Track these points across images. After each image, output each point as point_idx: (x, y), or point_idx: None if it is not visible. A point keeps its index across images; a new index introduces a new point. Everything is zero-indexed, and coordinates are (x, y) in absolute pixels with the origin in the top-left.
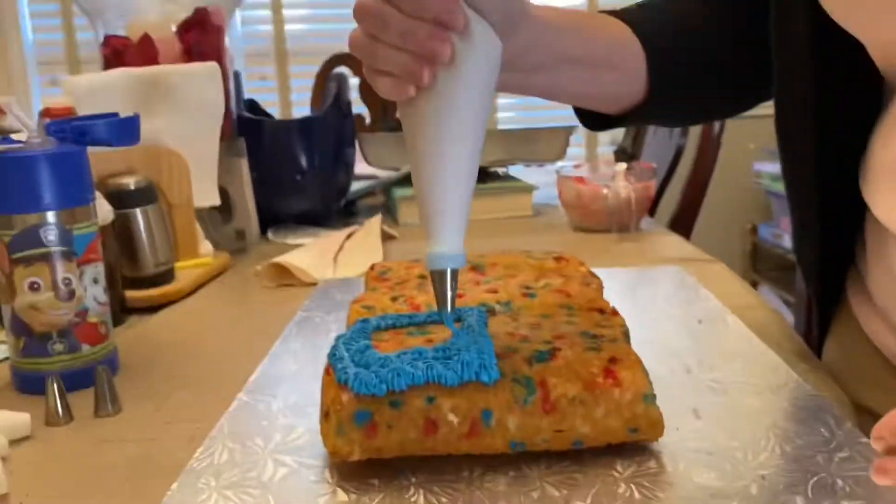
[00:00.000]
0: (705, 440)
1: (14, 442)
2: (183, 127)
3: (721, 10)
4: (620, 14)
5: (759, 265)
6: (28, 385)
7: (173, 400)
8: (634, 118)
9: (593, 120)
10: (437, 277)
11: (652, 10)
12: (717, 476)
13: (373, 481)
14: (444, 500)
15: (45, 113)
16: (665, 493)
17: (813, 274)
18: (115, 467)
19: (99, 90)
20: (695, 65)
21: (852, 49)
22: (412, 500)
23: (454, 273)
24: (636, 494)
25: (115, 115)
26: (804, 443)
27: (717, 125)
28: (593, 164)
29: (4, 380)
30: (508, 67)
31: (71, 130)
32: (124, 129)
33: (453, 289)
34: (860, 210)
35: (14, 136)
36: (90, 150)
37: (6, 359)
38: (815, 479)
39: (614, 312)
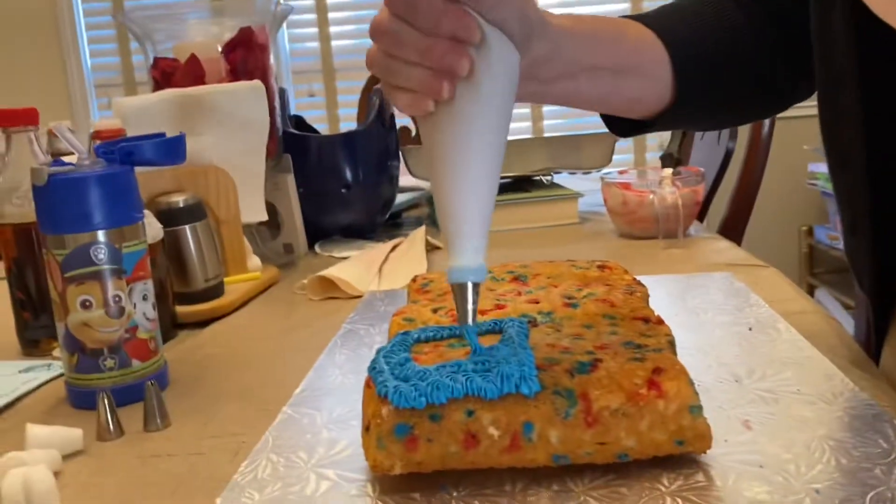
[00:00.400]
0: (756, 452)
1: (67, 456)
2: (229, 144)
3: (750, 13)
4: (644, 18)
5: (816, 268)
6: (81, 400)
7: (220, 414)
8: (661, 123)
9: (621, 125)
10: (458, 291)
11: (677, 13)
12: (769, 490)
13: (414, 495)
14: None
15: (96, 135)
16: None
17: (866, 278)
18: (162, 482)
19: (147, 111)
20: (722, 69)
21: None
22: None
23: (475, 286)
24: None
25: (162, 135)
26: (861, 454)
27: (766, 127)
28: (640, 170)
29: (60, 396)
30: (527, 77)
31: (119, 151)
32: (170, 149)
33: (474, 302)
34: None
35: (65, 159)
36: (139, 169)
37: (62, 375)
38: (874, 493)
39: (659, 321)
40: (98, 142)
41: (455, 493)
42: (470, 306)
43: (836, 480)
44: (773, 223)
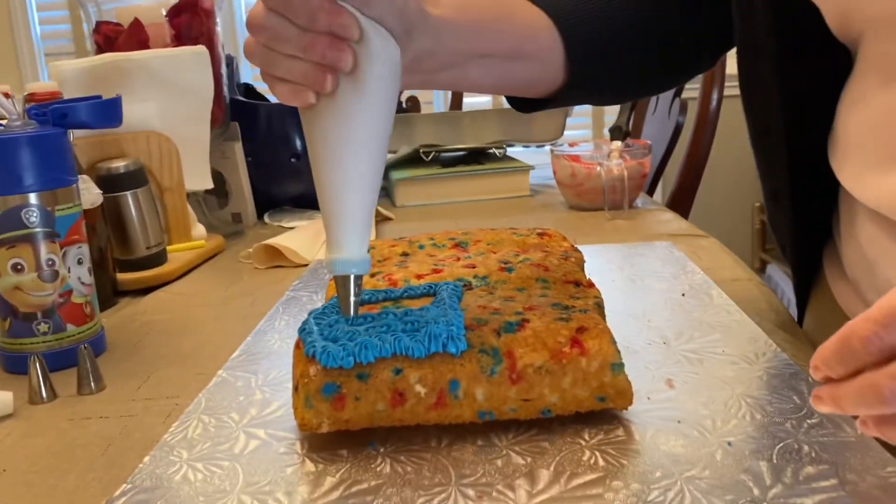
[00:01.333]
0: (676, 409)
1: None
2: (172, 111)
3: None
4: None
5: (768, 244)
6: (14, 365)
7: (156, 378)
8: (557, 101)
9: (520, 102)
10: (341, 282)
11: None
12: (684, 443)
13: (341, 452)
14: (409, 468)
15: (30, 97)
16: (628, 460)
17: (788, 246)
18: (92, 443)
19: (86, 75)
20: (617, 47)
21: (815, 18)
22: (378, 469)
23: (357, 278)
24: (600, 461)
25: (99, 97)
26: (774, 410)
27: (713, 103)
28: (588, 142)
29: None
30: (412, 69)
31: (52, 113)
32: (105, 112)
33: (357, 294)
34: (833, 182)
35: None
36: (80, 135)
37: None
38: (782, 444)
39: (590, 285)
40: (31, 104)
41: (382, 450)
42: (352, 298)
43: (748, 434)
44: (726, 200)
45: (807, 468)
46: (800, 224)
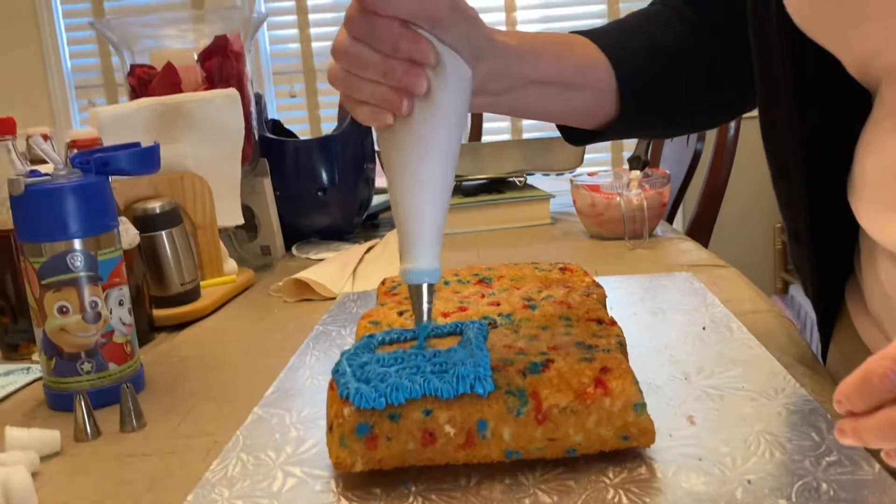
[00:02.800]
0: (697, 446)
1: (45, 457)
2: (205, 151)
3: (695, 27)
4: (591, 34)
5: (790, 265)
6: (59, 403)
7: (194, 414)
8: (610, 133)
9: (573, 134)
10: (415, 292)
11: (622, 28)
12: (705, 481)
13: (375, 490)
14: None
15: (73, 144)
16: (651, 499)
17: (809, 283)
18: (137, 480)
19: (123, 120)
20: (666, 83)
21: (832, 61)
22: None
23: (430, 287)
24: (624, 500)
25: (137, 144)
26: (794, 447)
27: (731, 131)
28: (608, 172)
29: (38, 398)
30: (478, 92)
31: (94, 161)
32: (144, 159)
33: (429, 301)
34: (854, 220)
35: (41, 169)
36: (116, 177)
37: (40, 378)
38: (801, 482)
39: (612, 322)
40: (74, 151)
41: (414, 489)
42: (425, 306)
43: (768, 472)
44: (747, 221)
45: None
46: (821, 262)
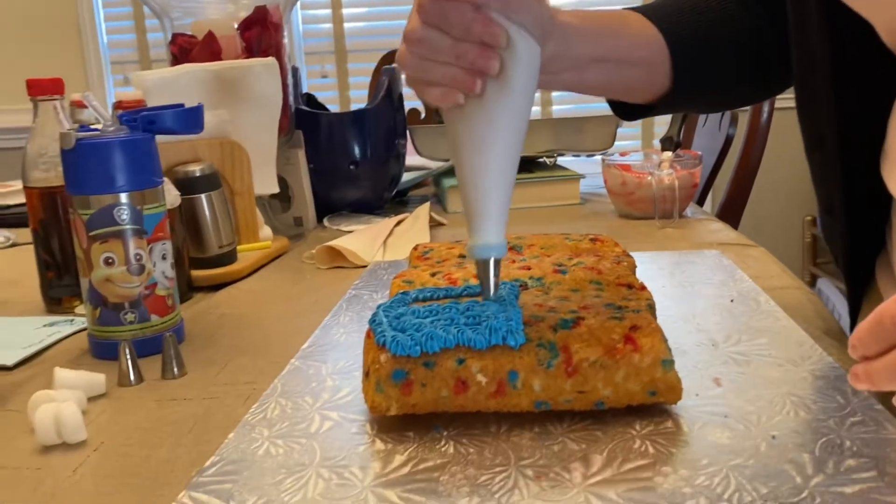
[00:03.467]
0: (723, 405)
1: (91, 399)
2: (244, 119)
3: (744, 2)
4: (645, 10)
5: (819, 258)
6: (103, 351)
7: (232, 365)
8: (662, 107)
9: (624, 109)
10: (482, 266)
11: (675, 4)
12: (730, 435)
13: (408, 433)
14: (471, 450)
15: (118, 105)
16: (677, 449)
17: (841, 256)
18: (179, 421)
19: (166, 84)
20: (718, 57)
21: (868, 32)
22: (442, 449)
23: (497, 262)
24: (650, 449)
25: (181, 105)
26: (818, 408)
27: (764, 115)
28: (640, 152)
29: (82, 347)
30: (540, 70)
31: (141, 120)
32: (189, 119)
33: (496, 275)
34: (887, 194)
35: (91, 126)
36: (160, 140)
37: (83, 329)
38: (825, 439)
39: (642, 287)
40: (120, 111)
41: (445, 433)
42: (492, 280)
43: (792, 429)
44: (777, 213)
45: (848, 461)
46: (853, 235)
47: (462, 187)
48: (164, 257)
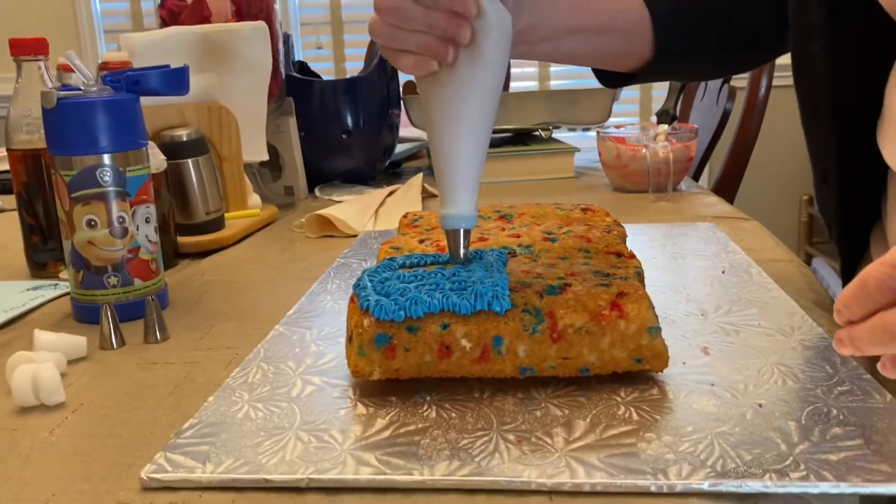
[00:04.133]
0: (710, 374)
1: (72, 361)
2: (233, 83)
3: None
4: None
5: (815, 237)
6: (85, 315)
7: (216, 331)
8: (644, 75)
9: (607, 77)
10: (452, 236)
11: None
12: (716, 403)
13: (391, 398)
14: (454, 415)
15: (103, 66)
16: (662, 416)
17: (834, 226)
18: (160, 384)
19: (153, 46)
20: (703, 24)
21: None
22: (425, 414)
23: (467, 232)
24: (634, 416)
25: (167, 66)
26: (806, 378)
27: (762, 90)
28: (636, 125)
29: (65, 311)
30: (516, 41)
31: (125, 80)
32: (174, 80)
33: (465, 246)
34: (882, 163)
35: (74, 85)
36: (146, 104)
37: (67, 293)
38: (811, 407)
39: (631, 256)
40: (105, 72)
41: (428, 398)
42: (462, 250)
43: (779, 397)
44: (773, 192)
45: (834, 429)
46: (847, 205)
47: (434, 157)
48: (147, 221)
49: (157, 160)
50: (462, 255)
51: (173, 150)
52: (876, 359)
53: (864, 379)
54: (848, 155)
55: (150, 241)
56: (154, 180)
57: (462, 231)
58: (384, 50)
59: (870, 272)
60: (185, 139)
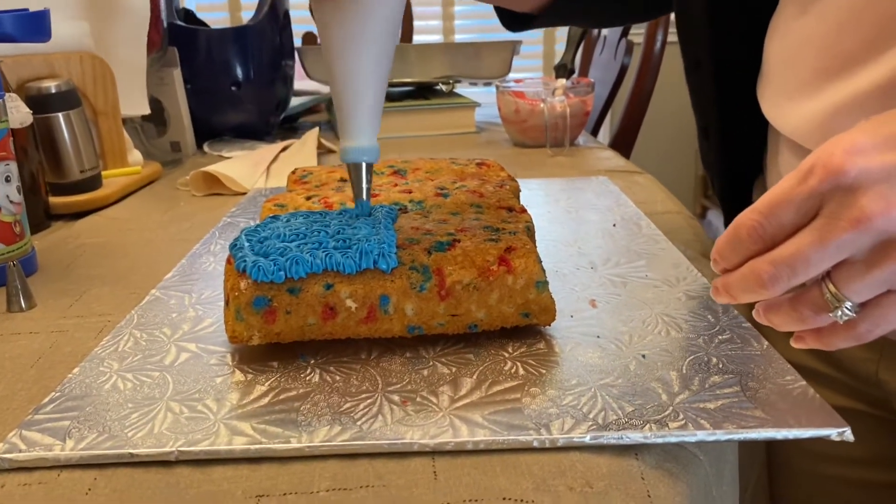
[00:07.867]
0: (597, 326)
1: None
2: (106, 32)
3: None
4: None
5: (709, 191)
6: None
7: (88, 297)
8: (544, 18)
9: (511, 18)
10: (353, 169)
11: None
12: (601, 355)
13: (272, 363)
14: (337, 377)
15: None
16: (547, 370)
17: (717, 181)
18: (21, 356)
19: None
20: None
21: None
22: (307, 378)
23: (369, 166)
24: (520, 371)
25: (25, 9)
26: (689, 327)
27: (657, 45)
28: (534, 79)
29: None
30: None
31: None
32: (32, 24)
33: (368, 181)
34: (763, 117)
35: None
36: (8, 52)
37: None
38: (693, 357)
39: (522, 210)
40: None
41: (312, 361)
42: (364, 185)
43: (662, 348)
44: (669, 146)
45: (713, 377)
46: (728, 159)
47: (333, 89)
48: (7, 179)
49: (20, 114)
50: (365, 191)
51: (41, 104)
52: (754, 306)
53: (743, 327)
54: (729, 110)
55: (11, 201)
56: (19, 136)
57: (364, 165)
58: None
59: (741, 220)
60: (53, 91)
